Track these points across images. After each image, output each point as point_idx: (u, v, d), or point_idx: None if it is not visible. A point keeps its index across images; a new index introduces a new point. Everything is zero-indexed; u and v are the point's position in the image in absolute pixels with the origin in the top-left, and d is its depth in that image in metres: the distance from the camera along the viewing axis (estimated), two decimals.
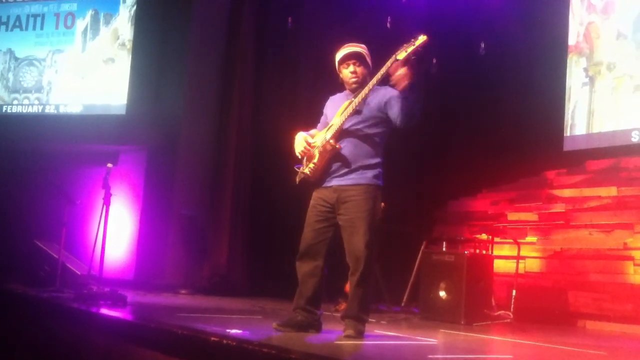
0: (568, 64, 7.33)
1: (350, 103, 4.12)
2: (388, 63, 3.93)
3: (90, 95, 8.69)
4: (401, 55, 3.84)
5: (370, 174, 4.10)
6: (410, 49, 3.81)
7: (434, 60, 7.56)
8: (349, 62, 4.20)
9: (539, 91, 7.35)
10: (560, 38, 7.41)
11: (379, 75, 3.99)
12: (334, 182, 4.13)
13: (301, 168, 4.25)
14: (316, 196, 4.20)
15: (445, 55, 7.55)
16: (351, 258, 4.05)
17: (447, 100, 7.79)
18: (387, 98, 4.09)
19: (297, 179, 4.26)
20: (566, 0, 7.43)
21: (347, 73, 4.21)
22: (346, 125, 4.12)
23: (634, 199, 6.26)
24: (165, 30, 8.61)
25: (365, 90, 4.05)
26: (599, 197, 6.54)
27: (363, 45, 4.26)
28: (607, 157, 6.86)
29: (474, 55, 7.34)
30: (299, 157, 4.27)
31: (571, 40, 7.36)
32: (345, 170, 4.10)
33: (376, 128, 4.14)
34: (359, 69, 4.19)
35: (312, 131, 4.36)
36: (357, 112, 4.11)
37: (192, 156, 8.52)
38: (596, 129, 7.04)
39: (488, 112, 7.61)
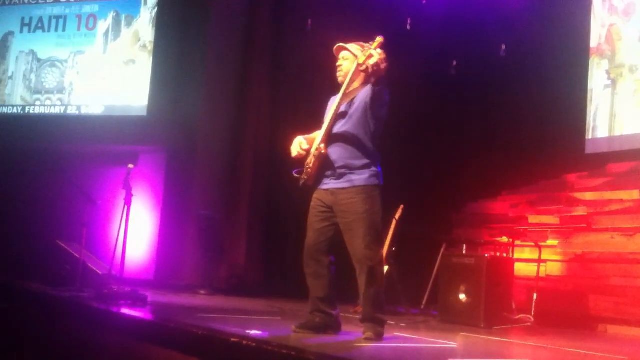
0: (590, 66, 7.28)
1: (338, 107, 4.16)
2: (352, 67, 4.11)
3: (111, 97, 8.77)
4: (361, 59, 3.94)
5: (365, 174, 4.09)
6: (368, 52, 3.90)
7: (454, 62, 7.53)
8: (338, 57, 4.29)
9: (560, 93, 7.30)
10: (581, 40, 7.36)
11: (347, 80, 4.13)
12: (331, 185, 4.14)
13: (300, 173, 4.26)
14: (315, 197, 4.22)
15: (465, 56, 7.53)
16: (355, 260, 4.06)
17: (467, 102, 7.77)
18: (368, 92, 4.11)
19: (300, 183, 4.28)
20: (587, 2, 7.37)
21: (337, 64, 4.30)
22: (335, 129, 4.14)
23: None
24: (185, 32, 8.66)
25: (340, 94, 4.13)
26: (621, 200, 6.47)
27: (369, 46, 4.23)
28: (629, 160, 6.80)
29: (494, 56, 7.31)
30: (293, 156, 4.28)
31: (593, 43, 7.30)
32: (339, 172, 4.11)
33: (365, 127, 4.12)
34: (343, 64, 4.24)
35: (315, 134, 4.36)
36: (343, 114, 4.14)
37: (211, 157, 8.57)
38: (618, 131, 6.97)
39: (509, 114, 7.57)
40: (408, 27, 7.56)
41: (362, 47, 4.04)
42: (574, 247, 6.47)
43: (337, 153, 4.12)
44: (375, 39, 3.96)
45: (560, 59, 7.34)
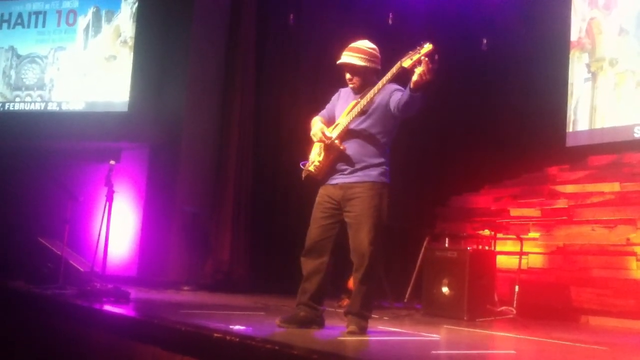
0: (570, 60, 7.33)
1: (356, 104, 4.14)
2: (394, 70, 4.01)
3: (92, 93, 8.69)
4: (406, 62, 3.90)
5: (376, 171, 4.12)
6: (416, 56, 3.86)
7: (436, 56, 7.55)
8: (344, 70, 4.24)
9: (541, 87, 7.35)
10: (562, 34, 7.40)
11: (384, 80, 4.05)
12: (340, 179, 4.15)
13: (306, 165, 4.26)
14: (322, 193, 4.22)
15: (447, 51, 7.50)
16: (356, 254, 4.06)
17: (449, 96, 7.78)
18: (390, 92, 4.12)
19: (303, 175, 4.28)
20: None
21: (346, 78, 4.26)
22: (352, 126, 4.15)
23: (637, 194, 6.25)
24: (167, 27, 8.59)
25: (371, 93, 4.08)
26: (602, 192, 6.53)
27: (364, 48, 4.22)
28: (609, 152, 6.86)
29: (476, 51, 7.34)
30: (315, 141, 4.24)
31: (573, 36, 7.35)
32: (351, 168, 4.12)
33: (382, 127, 4.15)
34: (354, 78, 4.22)
35: (318, 117, 4.34)
36: (363, 112, 4.14)
37: (195, 152, 8.53)
38: (598, 124, 7.03)
39: (490, 108, 7.61)
40: (390, 21, 7.56)
41: (409, 54, 3.91)
42: (556, 240, 6.52)
43: (352, 149, 4.13)
44: (422, 44, 3.87)
45: (541, 53, 7.39)
